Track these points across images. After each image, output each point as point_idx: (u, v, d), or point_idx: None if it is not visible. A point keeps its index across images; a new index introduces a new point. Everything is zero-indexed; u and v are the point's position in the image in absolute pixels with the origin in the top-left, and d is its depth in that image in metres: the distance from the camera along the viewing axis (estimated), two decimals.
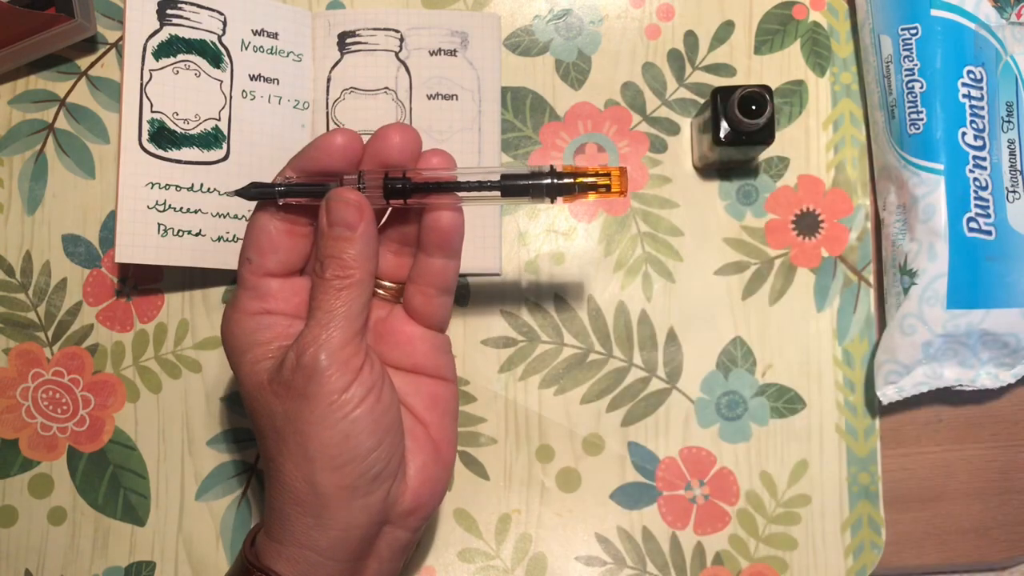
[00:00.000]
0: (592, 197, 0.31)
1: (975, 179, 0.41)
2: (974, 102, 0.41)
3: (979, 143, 0.41)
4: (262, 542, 0.33)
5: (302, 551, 0.31)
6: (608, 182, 0.31)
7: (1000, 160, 0.42)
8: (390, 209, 0.34)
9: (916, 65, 0.41)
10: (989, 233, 0.41)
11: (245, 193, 0.32)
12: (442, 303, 0.34)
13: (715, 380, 0.44)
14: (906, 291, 0.41)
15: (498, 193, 0.31)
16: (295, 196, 0.32)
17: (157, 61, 0.42)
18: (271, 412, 0.32)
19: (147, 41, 0.42)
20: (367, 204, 0.31)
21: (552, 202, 0.31)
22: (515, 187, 0.31)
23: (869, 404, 0.44)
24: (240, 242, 0.43)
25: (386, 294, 0.35)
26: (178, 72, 0.42)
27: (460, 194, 0.32)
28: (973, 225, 0.41)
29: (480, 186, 0.31)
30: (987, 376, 0.43)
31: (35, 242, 0.45)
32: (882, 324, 0.45)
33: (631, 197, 0.45)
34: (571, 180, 0.31)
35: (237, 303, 0.33)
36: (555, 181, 0.31)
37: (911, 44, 0.41)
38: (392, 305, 0.35)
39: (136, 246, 0.41)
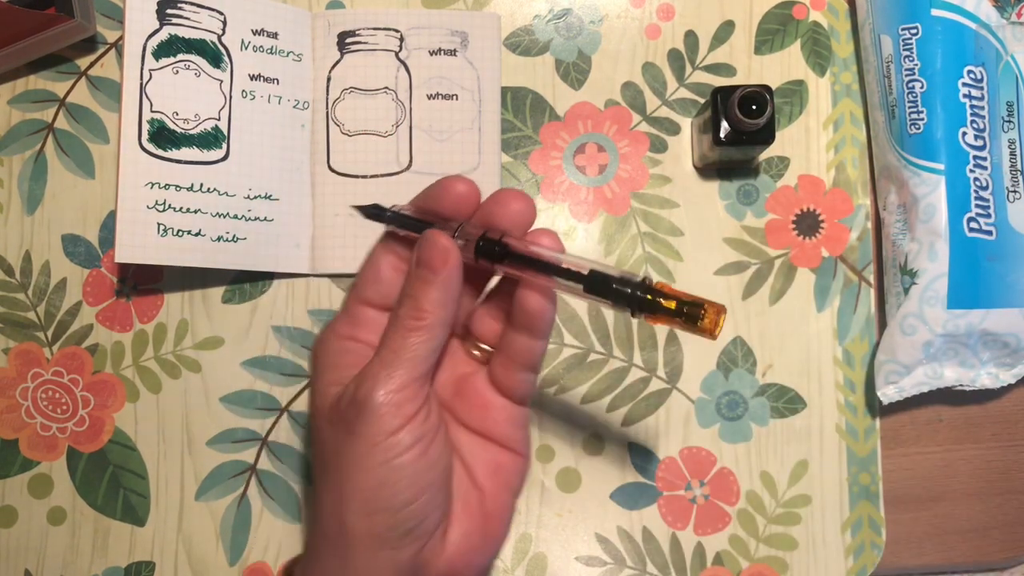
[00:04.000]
0: (677, 328, 0.28)
1: (975, 179, 0.41)
2: (974, 102, 0.41)
3: (979, 143, 0.41)
4: (296, 574, 0.33)
5: None
6: (698, 313, 0.28)
7: (1000, 160, 0.42)
8: (500, 275, 0.33)
9: (916, 65, 0.41)
10: (990, 233, 0.41)
11: (363, 209, 0.33)
12: (523, 379, 0.33)
13: (715, 380, 0.44)
14: (906, 291, 0.41)
15: (580, 287, 0.29)
16: (399, 225, 0.32)
17: (157, 61, 0.42)
18: (323, 441, 0.31)
19: (147, 41, 0.42)
20: (456, 252, 0.30)
21: (633, 316, 0.29)
22: (600, 288, 0.29)
23: (869, 404, 0.44)
24: (239, 242, 0.43)
25: (480, 355, 0.34)
26: (178, 72, 0.42)
27: (544, 277, 0.30)
28: (973, 225, 0.41)
29: (566, 273, 0.30)
30: (987, 376, 0.43)
31: (35, 242, 0.45)
32: (882, 324, 0.45)
33: (631, 197, 0.45)
34: (655, 299, 0.28)
35: (332, 324, 0.33)
36: (639, 294, 0.28)
37: (911, 44, 0.41)
38: (480, 366, 0.34)
39: (136, 246, 0.41)
